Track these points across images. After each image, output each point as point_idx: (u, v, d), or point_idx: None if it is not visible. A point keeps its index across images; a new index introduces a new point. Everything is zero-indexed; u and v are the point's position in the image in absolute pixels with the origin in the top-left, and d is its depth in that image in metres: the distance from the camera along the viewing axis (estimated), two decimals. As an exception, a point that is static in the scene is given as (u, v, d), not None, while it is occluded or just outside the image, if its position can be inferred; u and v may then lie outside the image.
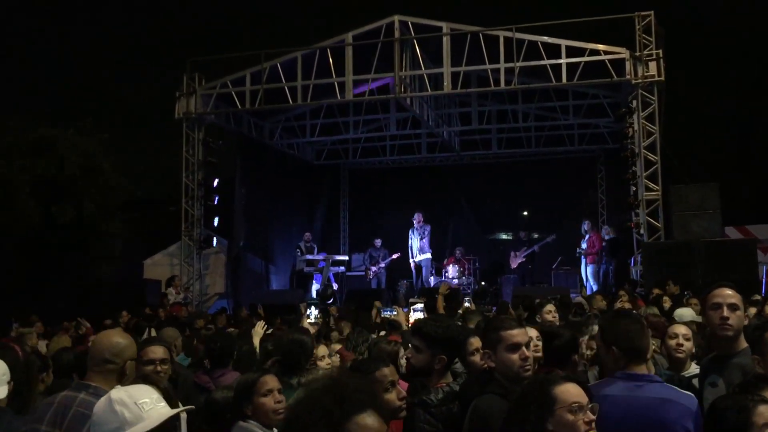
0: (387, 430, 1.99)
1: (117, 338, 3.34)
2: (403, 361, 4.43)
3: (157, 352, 4.11)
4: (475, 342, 4.00)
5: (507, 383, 3.18)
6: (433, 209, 19.36)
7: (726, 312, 3.52)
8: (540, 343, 3.88)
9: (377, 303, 8.36)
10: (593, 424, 2.48)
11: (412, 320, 5.71)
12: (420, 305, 6.18)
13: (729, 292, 3.60)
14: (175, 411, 2.32)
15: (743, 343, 3.54)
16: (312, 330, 5.61)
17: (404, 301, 15.91)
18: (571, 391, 2.51)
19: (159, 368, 4.04)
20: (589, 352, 4.74)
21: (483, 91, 15.33)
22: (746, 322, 3.59)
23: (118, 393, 2.28)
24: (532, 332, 3.84)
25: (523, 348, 3.21)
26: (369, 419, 1.97)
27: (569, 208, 18.83)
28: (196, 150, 15.66)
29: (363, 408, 1.98)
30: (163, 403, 2.32)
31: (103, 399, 2.27)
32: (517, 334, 3.23)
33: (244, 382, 3.78)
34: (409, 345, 3.68)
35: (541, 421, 2.49)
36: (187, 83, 15.46)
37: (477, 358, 3.95)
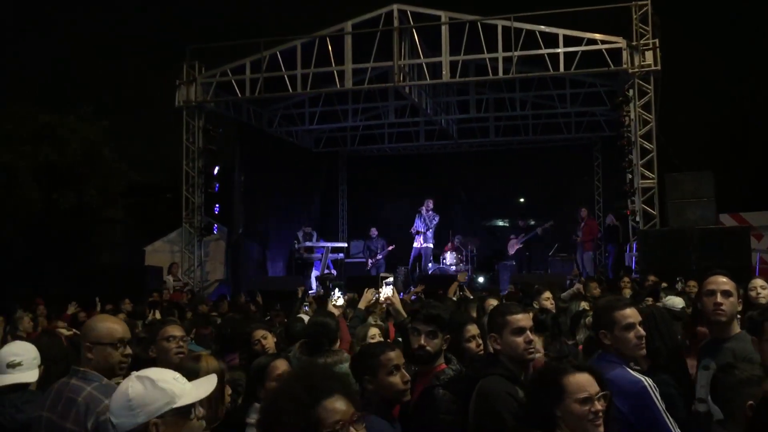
0: (356, 413, 2.15)
1: (107, 324, 3.35)
2: None
3: (176, 330, 4.28)
4: (472, 329, 4.17)
5: (512, 365, 3.36)
6: (430, 196, 19.50)
7: (720, 298, 3.71)
8: None
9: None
10: (600, 414, 2.60)
11: (382, 296, 5.88)
12: (391, 279, 6.40)
13: (723, 279, 3.79)
14: (214, 384, 2.53)
15: (736, 328, 3.75)
16: (337, 312, 5.79)
17: (402, 287, 16.11)
18: (580, 382, 2.65)
19: (180, 344, 4.22)
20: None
21: (481, 79, 15.43)
22: (740, 308, 3.78)
23: (154, 374, 2.41)
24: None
25: (528, 332, 3.38)
26: (337, 403, 2.12)
27: (566, 195, 19.02)
28: (197, 138, 15.76)
29: (331, 393, 2.14)
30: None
31: (135, 383, 2.36)
32: (522, 318, 3.39)
33: (257, 367, 3.95)
34: (419, 333, 3.71)
35: (550, 407, 2.66)
36: (187, 71, 15.55)
37: (473, 344, 4.13)
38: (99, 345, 3.21)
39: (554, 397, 2.68)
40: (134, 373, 2.42)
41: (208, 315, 8.99)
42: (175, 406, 2.35)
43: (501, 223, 20.22)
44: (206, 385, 2.52)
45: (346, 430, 2.12)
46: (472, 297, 9.13)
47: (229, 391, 3.15)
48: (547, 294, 7.26)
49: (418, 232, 17.22)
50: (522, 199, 20.50)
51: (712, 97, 25.20)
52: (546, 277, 13.33)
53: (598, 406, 2.62)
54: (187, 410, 2.37)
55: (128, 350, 3.28)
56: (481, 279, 16.53)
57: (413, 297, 11.40)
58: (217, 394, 2.90)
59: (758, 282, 6.43)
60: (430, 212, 17.07)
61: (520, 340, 3.34)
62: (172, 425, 2.35)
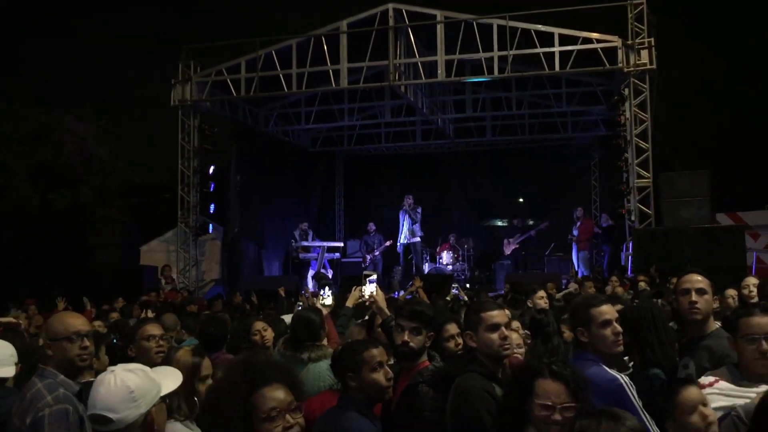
0: (294, 402, 2.24)
1: (63, 318, 3.40)
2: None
3: (155, 329, 4.28)
4: (451, 328, 4.15)
5: (488, 362, 3.37)
6: (427, 196, 19.52)
7: (694, 297, 3.71)
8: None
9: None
10: (560, 423, 2.64)
11: (366, 294, 5.91)
12: (374, 277, 6.34)
13: (698, 278, 3.78)
14: (180, 374, 2.72)
15: (712, 326, 3.74)
16: (325, 311, 5.80)
17: (398, 286, 16.09)
18: (548, 389, 2.69)
19: (160, 343, 4.23)
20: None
21: (477, 79, 15.41)
22: (716, 306, 3.77)
23: (142, 366, 2.52)
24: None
25: (503, 328, 3.37)
26: (274, 392, 2.22)
27: (562, 194, 19.01)
28: (192, 137, 15.76)
29: (269, 382, 2.23)
30: None
31: (129, 375, 2.42)
32: (496, 315, 3.39)
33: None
34: (403, 329, 3.74)
35: (524, 404, 2.75)
36: (182, 71, 15.53)
37: (452, 344, 4.10)
38: (56, 341, 3.23)
39: (526, 395, 2.74)
40: (116, 369, 2.46)
41: (197, 315, 8.98)
42: (162, 394, 2.47)
43: (500, 223, 20.22)
44: (174, 375, 2.63)
45: (281, 417, 2.19)
46: (467, 299, 9.11)
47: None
48: (541, 293, 7.28)
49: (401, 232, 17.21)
50: (521, 199, 20.48)
51: (712, 96, 25.16)
52: (540, 276, 13.29)
53: (557, 416, 2.64)
54: (163, 397, 2.50)
55: (87, 343, 3.27)
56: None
57: (408, 296, 11.38)
58: (187, 387, 2.95)
59: (751, 280, 6.43)
60: (413, 205, 17.04)
61: (494, 336, 3.35)
62: (160, 412, 2.47)
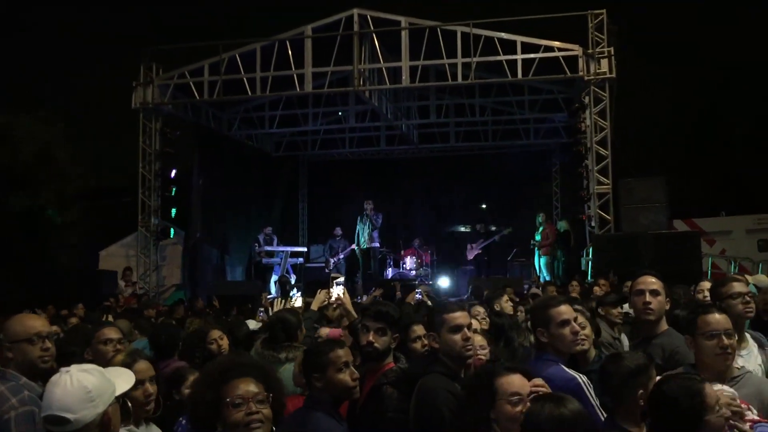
0: (261, 395, 2.48)
1: (23, 320, 3.37)
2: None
3: (113, 333, 4.24)
4: (418, 329, 4.19)
5: (450, 363, 3.41)
6: (391, 201, 19.55)
7: (648, 297, 3.81)
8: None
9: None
10: None
11: (333, 296, 5.92)
12: (341, 280, 6.35)
13: (651, 279, 3.89)
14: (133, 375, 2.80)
15: (664, 326, 3.84)
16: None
17: (362, 290, 16.10)
18: (513, 383, 2.71)
19: (117, 347, 4.18)
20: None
21: (441, 85, 15.54)
22: (667, 307, 3.88)
23: (96, 366, 2.54)
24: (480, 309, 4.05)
25: (465, 329, 3.42)
26: (243, 384, 2.49)
27: (525, 200, 19.19)
28: (153, 140, 15.55)
29: (241, 375, 2.51)
30: None
31: (85, 375, 2.41)
32: (459, 316, 3.44)
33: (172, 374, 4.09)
34: (368, 330, 3.76)
35: (484, 409, 2.72)
36: (144, 73, 15.33)
37: (418, 345, 4.14)
38: (16, 343, 3.20)
39: (488, 400, 2.72)
40: (71, 369, 2.44)
41: (155, 318, 8.88)
42: (116, 394, 2.50)
43: (463, 229, 20.34)
44: (126, 375, 2.69)
45: (245, 404, 2.44)
46: (430, 303, 9.13)
47: (152, 390, 3.21)
48: (506, 297, 7.32)
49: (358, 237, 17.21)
50: (484, 205, 20.64)
51: (675, 102, 25.68)
52: (502, 280, 13.41)
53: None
54: (117, 397, 2.54)
55: (48, 344, 3.26)
56: (445, 285, 16.64)
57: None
58: None
59: (705, 285, 6.56)
60: (374, 212, 17.04)
61: (457, 337, 3.39)
62: (116, 412, 2.51)
